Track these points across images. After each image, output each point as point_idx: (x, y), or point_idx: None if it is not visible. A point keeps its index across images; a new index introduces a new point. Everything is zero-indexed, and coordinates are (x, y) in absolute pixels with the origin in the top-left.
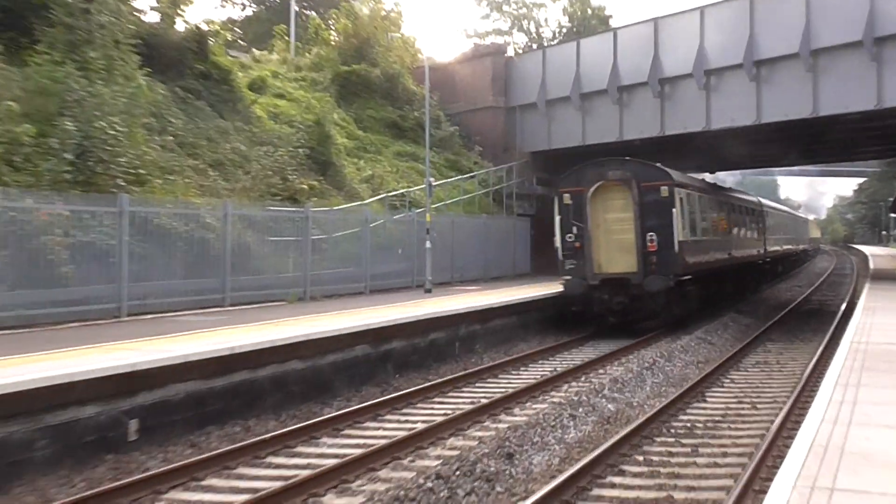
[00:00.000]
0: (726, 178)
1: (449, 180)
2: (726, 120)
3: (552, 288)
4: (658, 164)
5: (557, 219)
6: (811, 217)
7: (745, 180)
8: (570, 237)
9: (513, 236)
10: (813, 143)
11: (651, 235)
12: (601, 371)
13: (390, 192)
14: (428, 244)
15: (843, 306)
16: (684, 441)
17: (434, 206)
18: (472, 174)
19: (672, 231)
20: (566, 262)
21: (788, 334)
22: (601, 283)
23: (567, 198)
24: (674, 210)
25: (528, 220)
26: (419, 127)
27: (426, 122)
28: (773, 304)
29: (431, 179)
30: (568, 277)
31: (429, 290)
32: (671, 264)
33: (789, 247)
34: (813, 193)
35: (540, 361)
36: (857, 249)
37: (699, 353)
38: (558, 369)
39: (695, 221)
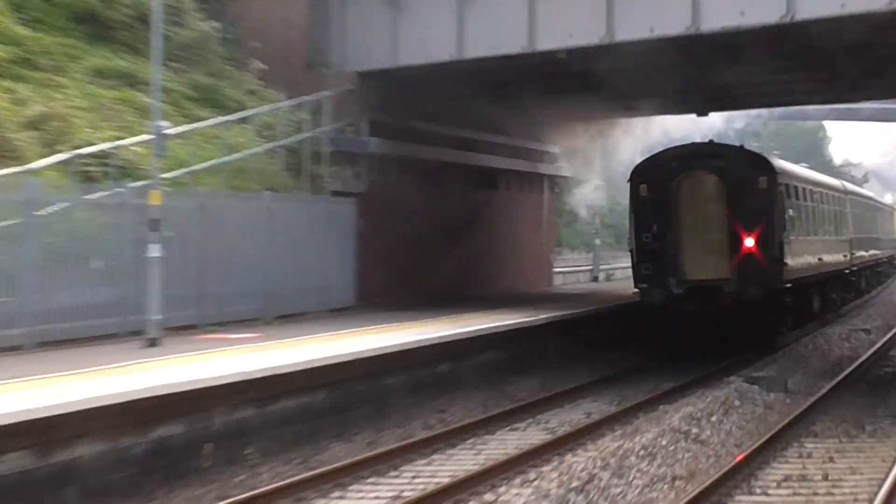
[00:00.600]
0: (726, 125)
1: (199, 125)
2: (729, 15)
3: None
4: (756, 151)
5: (632, 215)
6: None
7: (770, 128)
8: (647, 237)
9: (322, 235)
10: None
11: (748, 235)
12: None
13: (81, 148)
14: (155, 251)
15: None
16: None
17: (168, 175)
18: (243, 113)
19: (773, 230)
20: (642, 266)
21: (846, 420)
22: (686, 292)
23: (644, 189)
24: (775, 205)
25: (351, 205)
26: (140, 21)
27: (154, 9)
28: (821, 357)
29: (164, 124)
30: (644, 285)
31: (154, 344)
32: (771, 270)
33: (876, 252)
34: (884, 150)
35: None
36: None
37: (676, 458)
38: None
39: (796, 219)
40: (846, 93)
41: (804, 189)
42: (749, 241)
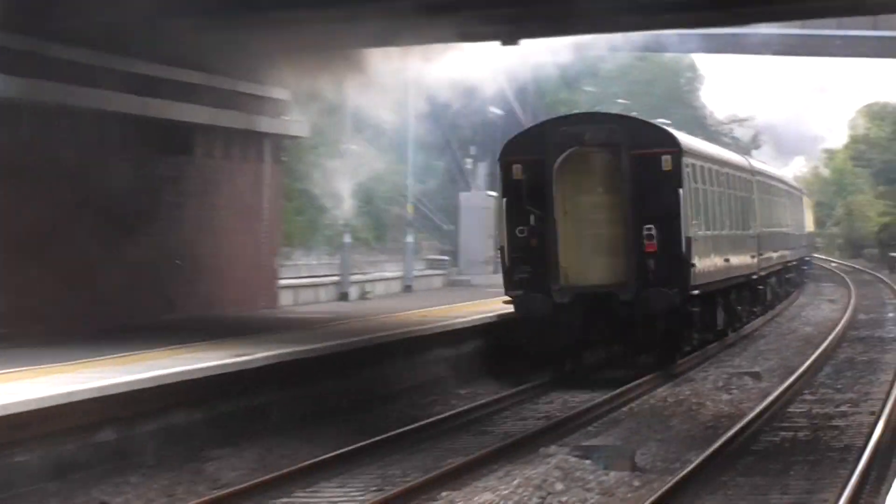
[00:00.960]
0: (545, 60)
1: None
2: None
3: None
4: (657, 123)
5: (501, 203)
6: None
7: (613, 65)
8: (521, 231)
9: None
10: None
11: (649, 229)
12: None
13: None
14: None
15: (877, 433)
16: None
17: None
18: None
19: (679, 222)
20: (516, 269)
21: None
22: (572, 301)
23: (518, 171)
24: (681, 191)
25: None
26: None
27: None
28: (687, 414)
29: None
30: (518, 293)
31: None
32: (678, 272)
33: (785, 253)
34: (779, 100)
35: None
36: None
37: None
38: None
39: (705, 207)
40: (725, 13)
41: (711, 170)
42: (650, 235)
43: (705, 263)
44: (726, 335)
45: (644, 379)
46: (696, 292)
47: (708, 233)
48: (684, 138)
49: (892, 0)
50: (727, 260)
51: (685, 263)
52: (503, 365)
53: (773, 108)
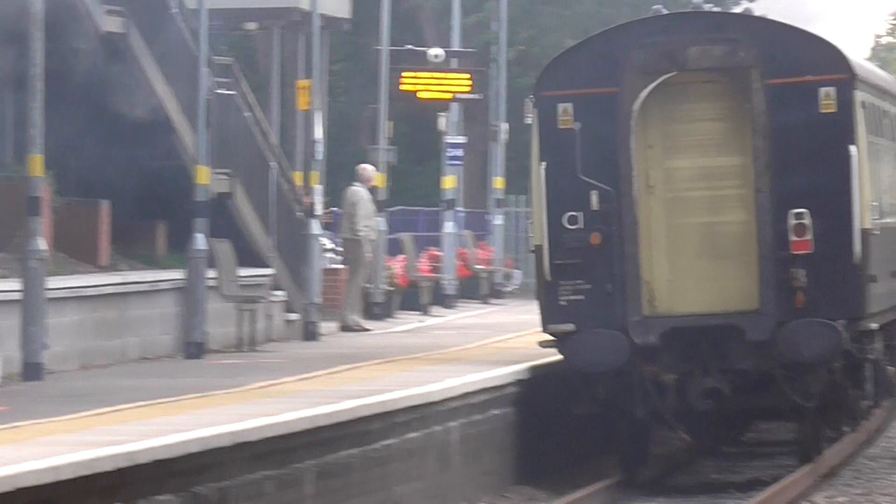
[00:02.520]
0: None
1: None
2: None
3: None
4: (810, 32)
5: (540, 169)
6: None
7: None
8: (572, 219)
9: None
10: None
11: (800, 216)
12: None
13: None
14: None
15: None
16: None
17: None
18: None
19: (850, 203)
20: (562, 286)
21: None
22: (664, 341)
23: (566, 113)
24: (853, 149)
25: None
26: None
27: None
28: None
29: None
30: (569, 327)
31: None
32: (846, 289)
33: None
34: None
35: None
36: None
37: None
38: None
39: (885, 183)
40: None
41: (890, 114)
42: (800, 226)
43: (887, 273)
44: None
45: (786, 481)
46: (874, 325)
47: (888, 223)
48: (855, 58)
49: None
50: None
51: (861, 276)
52: (537, 459)
53: None
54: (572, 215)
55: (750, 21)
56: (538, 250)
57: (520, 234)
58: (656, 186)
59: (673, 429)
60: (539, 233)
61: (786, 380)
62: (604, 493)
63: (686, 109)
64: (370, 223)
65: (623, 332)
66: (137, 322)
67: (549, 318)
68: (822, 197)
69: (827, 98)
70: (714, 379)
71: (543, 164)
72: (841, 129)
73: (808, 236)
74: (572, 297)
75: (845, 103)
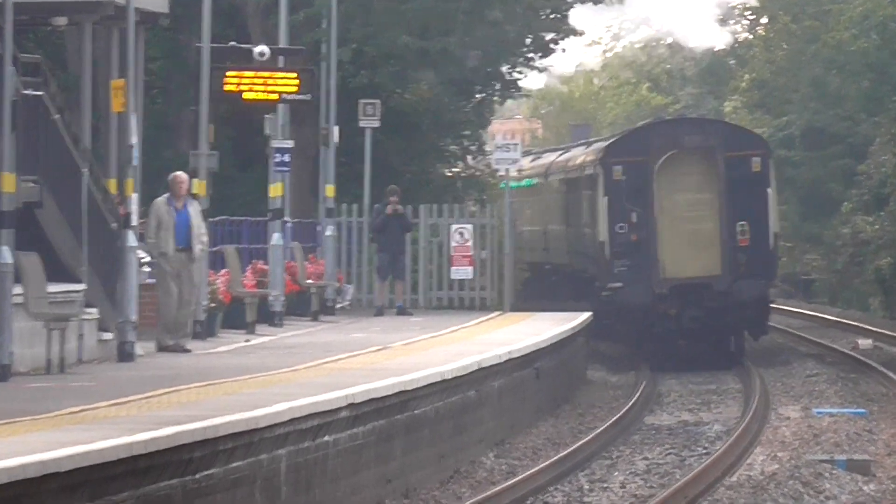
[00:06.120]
0: None
1: None
2: None
3: None
4: (746, 128)
5: (604, 201)
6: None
7: None
8: (622, 228)
9: None
10: None
11: (742, 225)
12: None
13: None
14: None
15: None
16: None
17: None
18: None
19: (767, 218)
20: (617, 262)
21: None
22: (670, 292)
23: (619, 171)
24: (769, 190)
25: None
26: None
27: None
28: None
29: None
30: (618, 284)
31: None
32: (766, 264)
33: None
34: None
35: None
36: None
37: None
38: None
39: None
40: None
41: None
42: (743, 230)
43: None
44: None
45: None
46: (779, 283)
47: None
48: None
49: None
50: None
51: (774, 256)
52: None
53: None
54: (621, 224)
55: (715, 123)
56: (603, 244)
57: (353, 247)
58: (665, 209)
59: (674, 340)
60: (604, 234)
61: (735, 313)
62: None
63: (682, 169)
64: (163, 235)
65: (647, 287)
66: None
67: (604, 279)
68: (754, 215)
69: (756, 164)
70: (696, 312)
71: (605, 198)
72: (763, 180)
73: (747, 236)
74: (620, 269)
75: (765, 166)
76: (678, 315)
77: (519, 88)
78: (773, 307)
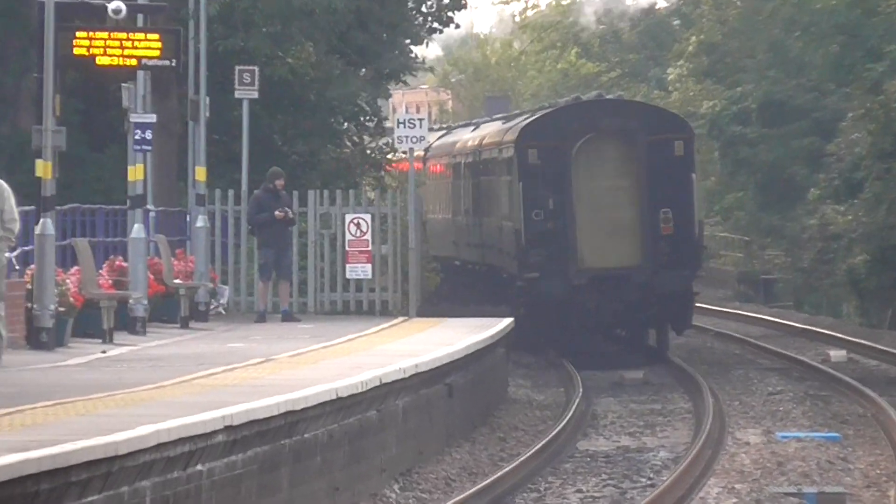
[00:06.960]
0: None
1: None
2: None
3: None
4: (670, 110)
5: (518, 187)
6: None
7: None
8: (538, 215)
9: None
10: None
11: (666, 212)
12: None
13: None
14: None
15: None
16: None
17: None
18: None
19: (692, 206)
20: (532, 252)
21: None
22: (588, 283)
23: (534, 155)
24: (693, 176)
25: None
26: None
27: None
28: None
29: None
30: (534, 275)
31: None
32: (690, 254)
33: None
34: None
35: None
36: None
37: None
38: None
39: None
40: None
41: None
42: (666, 217)
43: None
44: None
45: None
46: (702, 274)
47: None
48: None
49: None
50: None
51: (698, 246)
52: None
53: None
54: (537, 211)
55: (635, 104)
56: (517, 232)
57: (228, 241)
58: (584, 196)
59: (593, 333)
60: (518, 222)
61: (656, 306)
62: None
63: (602, 153)
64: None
65: (563, 278)
66: None
67: (521, 270)
68: (677, 202)
69: (678, 148)
70: (616, 304)
71: (520, 184)
72: (687, 164)
73: (671, 224)
74: (536, 259)
75: (689, 150)
76: (597, 308)
77: (416, 57)
78: (734, 312)
